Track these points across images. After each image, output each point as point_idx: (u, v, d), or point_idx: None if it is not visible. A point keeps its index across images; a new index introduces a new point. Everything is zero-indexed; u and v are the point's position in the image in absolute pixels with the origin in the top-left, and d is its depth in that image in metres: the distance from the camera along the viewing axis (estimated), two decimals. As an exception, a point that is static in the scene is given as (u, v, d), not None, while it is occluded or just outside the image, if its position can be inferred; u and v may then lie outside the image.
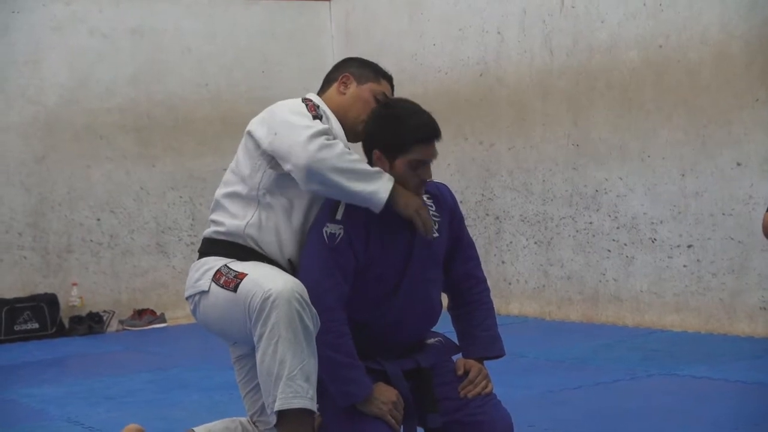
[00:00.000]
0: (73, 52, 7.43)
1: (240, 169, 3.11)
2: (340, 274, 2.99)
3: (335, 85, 3.23)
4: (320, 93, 3.27)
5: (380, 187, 2.91)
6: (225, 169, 3.21)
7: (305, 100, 3.09)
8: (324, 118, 3.06)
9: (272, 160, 3.01)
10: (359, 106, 3.19)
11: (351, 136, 3.22)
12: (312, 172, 2.89)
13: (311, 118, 2.99)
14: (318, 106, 3.09)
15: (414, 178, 3.02)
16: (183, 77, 7.78)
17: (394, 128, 3.00)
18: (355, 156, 2.94)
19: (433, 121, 3.05)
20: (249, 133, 3.09)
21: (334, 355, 2.92)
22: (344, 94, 3.20)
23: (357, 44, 7.75)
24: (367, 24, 7.87)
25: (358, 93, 3.20)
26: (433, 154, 3.04)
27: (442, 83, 7.40)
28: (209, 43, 7.89)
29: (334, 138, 2.97)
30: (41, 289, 7.24)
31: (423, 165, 3.02)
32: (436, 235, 3.17)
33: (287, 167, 2.96)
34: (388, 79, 3.28)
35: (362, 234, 3.00)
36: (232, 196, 3.11)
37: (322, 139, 2.90)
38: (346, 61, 3.32)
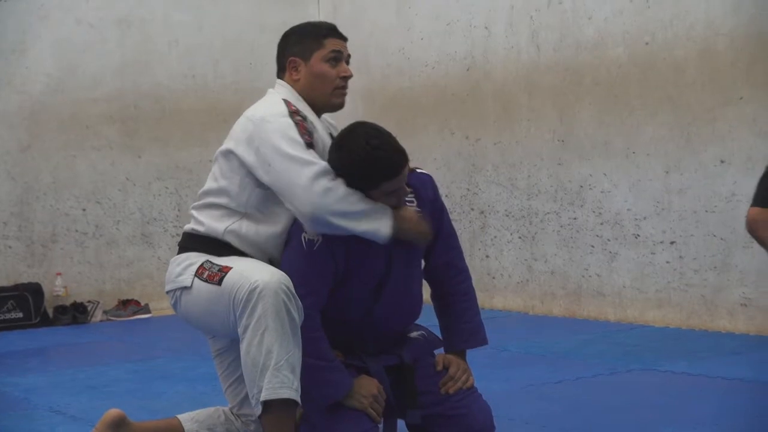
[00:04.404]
0: (60, 42, 7.40)
1: (224, 185, 3.05)
2: (317, 279, 2.99)
3: (287, 74, 3.14)
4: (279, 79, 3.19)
5: (383, 224, 2.93)
6: (211, 161, 3.18)
7: (292, 114, 3.00)
8: (315, 135, 2.99)
9: (259, 181, 2.97)
10: (318, 83, 3.10)
11: (330, 109, 3.16)
12: (316, 219, 2.89)
13: (305, 146, 2.92)
14: (305, 119, 3.01)
15: (391, 200, 3.01)
16: (170, 68, 7.76)
17: (359, 174, 2.94)
18: (356, 195, 2.92)
19: (397, 153, 2.95)
20: (232, 153, 3.01)
21: (311, 359, 2.93)
22: (299, 79, 3.12)
23: (344, 37, 7.75)
24: (354, 18, 7.87)
25: (309, 71, 3.11)
26: (405, 177, 3.00)
27: (429, 77, 7.41)
28: (197, 35, 7.87)
29: (334, 175, 2.91)
30: (25, 279, 7.22)
31: (397, 190, 3.00)
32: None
33: (287, 205, 2.93)
34: (331, 33, 3.15)
35: (342, 238, 3.00)
36: (216, 206, 3.07)
37: (324, 182, 2.87)
38: (284, 40, 3.20)
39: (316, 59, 3.11)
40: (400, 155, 2.98)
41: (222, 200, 3.06)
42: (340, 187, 2.90)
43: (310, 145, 2.94)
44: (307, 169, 2.88)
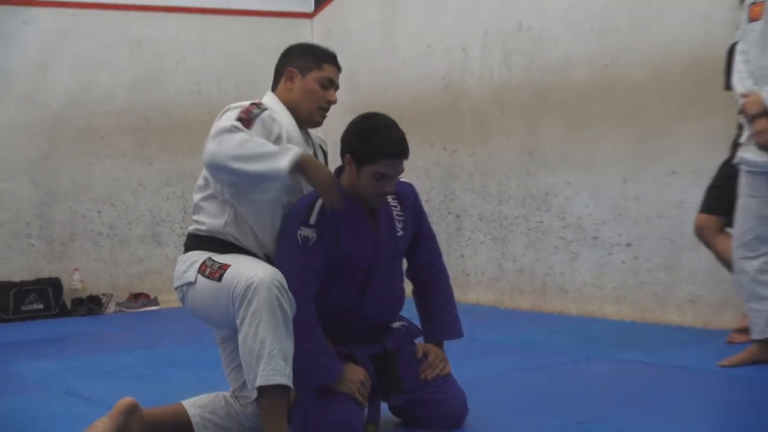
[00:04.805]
0: (78, 60, 7.37)
1: (206, 175, 3.08)
2: (311, 273, 2.98)
3: (282, 81, 3.14)
4: (274, 88, 3.18)
5: (281, 161, 2.81)
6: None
7: (252, 104, 2.99)
8: (258, 120, 2.93)
9: None
10: (308, 98, 3.11)
11: (310, 124, 3.16)
12: (213, 167, 2.86)
13: (233, 119, 2.89)
14: (259, 109, 2.96)
15: (375, 188, 2.99)
16: (178, 85, 7.74)
17: (364, 140, 2.97)
18: (256, 141, 2.83)
19: (402, 139, 2.98)
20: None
21: (307, 345, 2.94)
22: (291, 89, 3.12)
23: (335, 58, 7.73)
24: (345, 40, 7.86)
25: (303, 86, 3.11)
26: (398, 170, 3.00)
27: (411, 95, 7.40)
28: (202, 54, 7.85)
29: (240, 130, 2.84)
30: (46, 274, 7.19)
31: (386, 178, 2.99)
32: (401, 233, 3.17)
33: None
34: (331, 60, 3.16)
35: (333, 236, 3.00)
36: (208, 198, 3.08)
37: (224, 135, 2.82)
38: (289, 50, 3.20)
39: (312, 77, 3.12)
40: (405, 146, 2.99)
41: (207, 191, 3.07)
42: (237, 135, 2.83)
43: (241, 118, 2.90)
44: (214, 129, 2.87)
